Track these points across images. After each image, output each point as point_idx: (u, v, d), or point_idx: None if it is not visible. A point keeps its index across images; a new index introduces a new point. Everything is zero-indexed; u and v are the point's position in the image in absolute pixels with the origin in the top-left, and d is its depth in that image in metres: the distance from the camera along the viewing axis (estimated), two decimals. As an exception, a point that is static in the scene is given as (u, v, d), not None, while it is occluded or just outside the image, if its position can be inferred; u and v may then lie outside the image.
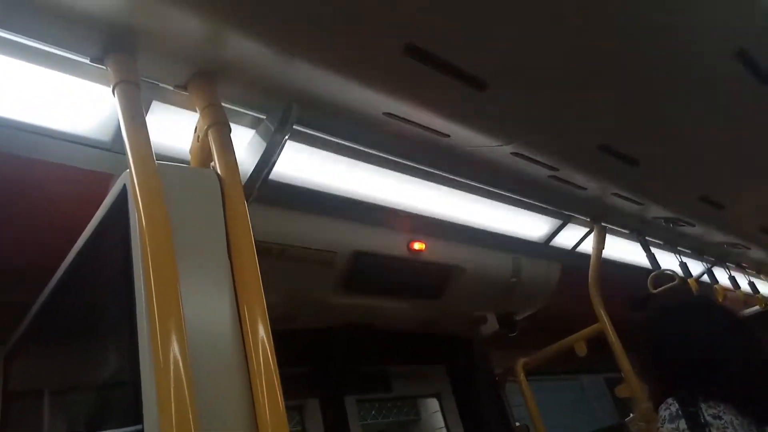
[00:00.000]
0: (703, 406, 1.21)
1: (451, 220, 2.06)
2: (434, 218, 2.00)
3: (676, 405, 1.24)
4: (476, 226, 2.16)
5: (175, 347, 0.78)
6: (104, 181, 1.29)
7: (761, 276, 3.67)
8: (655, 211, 2.29)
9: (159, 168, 0.93)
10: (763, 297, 3.59)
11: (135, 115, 0.96)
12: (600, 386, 4.29)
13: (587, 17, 1.11)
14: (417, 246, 2.02)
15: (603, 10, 1.10)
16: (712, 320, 1.37)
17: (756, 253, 3.13)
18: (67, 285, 1.30)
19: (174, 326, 0.80)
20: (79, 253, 1.20)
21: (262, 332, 0.89)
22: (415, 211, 1.94)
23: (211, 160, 1.09)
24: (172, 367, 0.77)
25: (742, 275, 3.44)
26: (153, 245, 0.84)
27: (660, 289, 2.47)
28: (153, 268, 0.83)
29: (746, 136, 1.70)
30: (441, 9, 1.03)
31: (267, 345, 0.88)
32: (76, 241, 1.22)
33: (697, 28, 1.21)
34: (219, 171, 1.03)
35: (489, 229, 2.22)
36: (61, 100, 1.14)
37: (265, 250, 1.62)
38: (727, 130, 1.65)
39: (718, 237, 2.77)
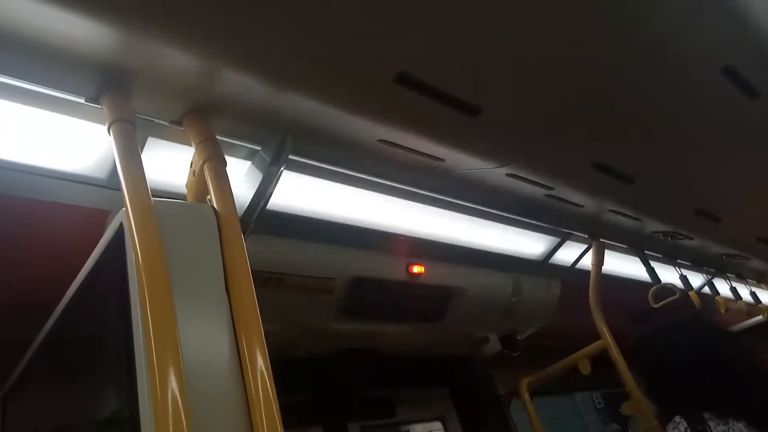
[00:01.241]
0: (711, 423, 1.21)
1: (449, 242, 2.06)
2: (432, 241, 2.01)
3: (684, 424, 1.23)
4: (475, 246, 2.16)
5: (173, 382, 0.78)
6: (102, 217, 1.30)
7: (762, 285, 3.66)
8: (653, 226, 2.29)
9: (155, 205, 0.93)
10: (766, 307, 3.58)
11: (130, 153, 0.97)
12: (589, 402, 4.34)
13: (578, 40, 1.12)
14: (416, 269, 2.02)
15: (594, 32, 1.12)
16: (710, 338, 1.38)
17: (756, 263, 3.12)
18: (65, 323, 1.30)
19: (172, 361, 0.80)
20: (77, 292, 1.20)
21: (261, 363, 0.89)
22: (413, 235, 1.94)
23: (208, 194, 1.09)
24: (170, 402, 0.77)
25: (743, 286, 3.43)
26: (150, 282, 0.85)
27: (661, 303, 2.46)
28: (150, 305, 0.84)
29: (738, 149, 1.72)
30: (430, 39, 1.04)
31: (266, 376, 0.88)
32: (74, 279, 1.22)
33: (684, 46, 1.23)
34: (215, 205, 1.03)
35: (488, 249, 2.22)
36: (57, 139, 1.15)
37: (263, 280, 1.62)
38: (719, 144, 1.66)
39: (716, 249, 2.77)
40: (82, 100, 1.05)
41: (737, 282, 3.36)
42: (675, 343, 1.40)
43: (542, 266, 2.51)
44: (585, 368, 2.54)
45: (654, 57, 1.24)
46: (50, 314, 1.35)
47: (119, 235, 0.97)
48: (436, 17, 0.99)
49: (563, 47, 1.13)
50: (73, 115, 1.11)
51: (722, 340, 1.38)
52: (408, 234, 1.91)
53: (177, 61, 1.00)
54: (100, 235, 1.11)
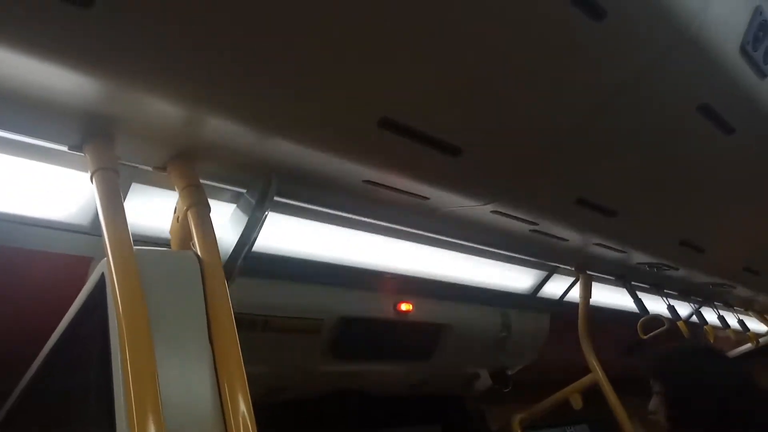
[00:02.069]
0: None
1: (436, 279, 2.06)
2: (420, 278, 2.00)
3: None
4: (462, 282, 2.16)
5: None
6: (84, 264, 1.28)
7: (749, 313, 3.68)
8: (638, 258, 2.31)
9: (137, 253, 0.93)
10: (755, 334, 3.60)
11: (113, 202, 0.97)
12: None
13: (555, 82, 1.15)
14: (404, 307, 2.01)
15: (570, 75, 1.15)
16: (724, 364, 1.40)
17: (742, 291, 3.15)
18: (45, 373, 1.27)
19: (151, 411, 0.80)
20: (59, 341, 1.18)
21: (244, 410, 0.89)
22: (400, 272, 1.94)
23: (191, 239, 1.09)
24: None
25: (730, 314, 3.45)
26: (130, 332, 0.85)
27: (651, 334, 2.47)
28: (130, 355, 0.83)
29: (717, 182, 1.75)
30: (411, 85, 1.06)
31: (249, 422, 0.87)
32: (55, 329, 1.20)
33: (660, 85, 1.26)
34: (198, 252, 1.02)
35: (475, 284, 2.22)
36: (38, 187, 1.14)
37: (248, 323, 1.61)
38: (697, 177, 1.69)
39: (702, 278, 2.79)
40: (65, 149, 1.06)
41: (725, 310, 3.38)
42: (699, 367, 1.41)
43: (530, 300, 2.51)
44: (577, 403, 2.52)
45: (631, 96, 1.27)
46: (30, 364, 1.32)
47: (100, 284, 0.96)
48: (417, 64, 1.01)
49: (541, 89, 1.16)
50: (55, 164, 1.10)
51: (734, 366, 1.40)
52: (395, 272, 1.91)
53: (160, 108, 1.01)
54: (83, 282, 1.10)
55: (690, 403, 1.42)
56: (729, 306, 3.44)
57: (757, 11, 1.16)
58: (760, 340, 3.77)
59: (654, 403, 1.62)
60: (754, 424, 1.31)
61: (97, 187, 0.99)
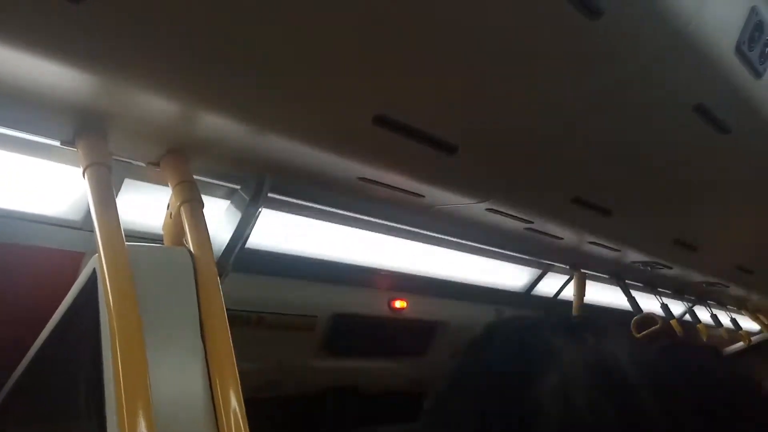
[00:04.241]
0: None
1: (431, 276, 2.06)
2: (414, 275, 2.00)
3: None
4: (457, 280, 2.16)
5: (142, 428, 0.78)
6: (77, 259, 1.28)
7: (742, 312, 3.70)
8: (632, 256, 2.32)
9: (130, 249, 0.92)
10: (747, 333, 3.61)
11: (105, 198, 0.96)
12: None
13: (551, 81, 1.15)
14: (398, 304, 2.01)
15: (567, 73, 1.14)
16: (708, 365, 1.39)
17: (735, 290, 3.16)
18: (37, 368, 1.27)
19: (142, 407, 0.80)
20: (50, 337, 1.17)
21: (235, 405, 0.89)
22: (394, 269, 1.93)
23: (184, 236, 1.08)
24: None
25: (723, 313, 3.47)
26: (121, 328, 0.84)
27: (644, 333, 2.48)
28: (121, 350, 0.83)
29: (710, 181, 1.75)
30: (406, 82, 1.05)
31: (240, 420, 0.87)
32: (47, 324, 1.19)
33: (656, 85, 1.26)
34: (191, 248, 1.02)
35: (470, 282, 2.22)
36: (30, 182, 1.13)
37: (242, 320, 1.60)
38: (692, 177, 1.69)
39: (696, 277, 2.80)
40: (58, 144, 1.05)
41: (718, 309, 3.40)
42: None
43: (525, 298, 2.51)
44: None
45: (626, 96, 1.27)
46: (21, 359, 1.32)
47: (92, 280, 0.95)
48: (412, 61, 1.00)
49: (537, 88, 1.15)
50: (48, 159, 1.10)
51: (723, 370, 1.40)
52: (389, 269, 1.91)
53: (153, 104, 1.00)
54: (75, 278, 1.09)
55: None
56: (722, 305, 3.45)
57: (753, 11, 1.16)
58: (753, 339, 3.79)
59: None
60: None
61: (90, 182, 0.99)
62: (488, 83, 1.12)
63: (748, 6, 1.15)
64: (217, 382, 0.90)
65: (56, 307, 1.14)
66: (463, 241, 1.93)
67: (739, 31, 1.16)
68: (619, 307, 2.80)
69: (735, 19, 1.15)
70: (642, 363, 0.44)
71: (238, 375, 0.91)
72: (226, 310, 0.96)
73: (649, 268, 2.47)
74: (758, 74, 1.26)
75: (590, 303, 2.54)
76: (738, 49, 1.17)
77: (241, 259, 1.26)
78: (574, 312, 2.44)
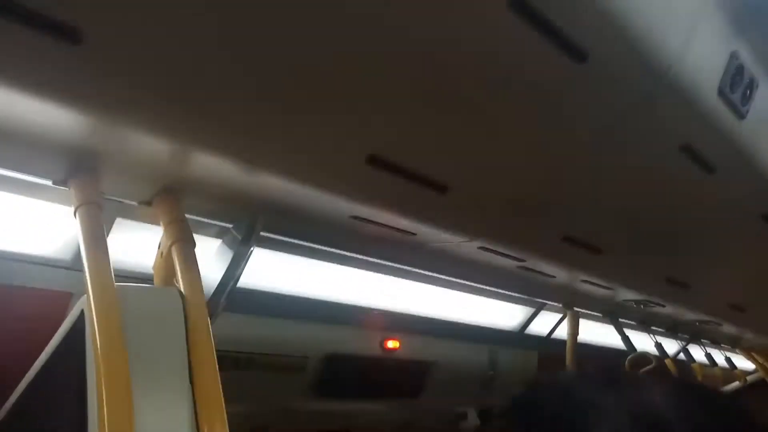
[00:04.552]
0: None
1: (424, 315, 2.05)
2: (407, 314, 1.99)
3: None
4: (450, 319, 2.15)
5: None
6: (64, 300, 1.26)
7: (737, 351, 3.68)
8: (625, 295, 2.31)
9: (119, 289, 0.91)
10: (742, 372, 3.59)
11: (96, 238, 0.95)
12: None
13: (539, 125, 1.17)
14: (391, 344, 1.98)
15: (557, 113, 1.17)
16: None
17: (728, 328, 3.15)
18: (22, 410, 1.23)
19: None
20: (35, 379, 1.15)
21: None
22: (387, 309, 1.92)
23: (175, 275, 1.07)
24: None
25: (717, 351, 3.45)
26: (107, 371, 0.83)
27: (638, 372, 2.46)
28: (107, 394, 0.81)
29: (698, 220, 1.77)
30: (399, 123, 1.07)
31: None
32: (32, 365, 1.17)
33: (643, 127, 1.29)
34: (182, 289, 1.01)
35: (463, 321, 2.20)
36: (19, 221, 1.13)
37: (231, 361, 1.58)
38: (680, 216, 1.71)
39: (689, 315, 2.79)
40: (50, 183, 1.05)
41: (712, 348, 3.38)
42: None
43: (518, 337, 2.49)
44: (566, 443, 2.47)
45: (614, 137, 1.30)
46: (6, 400, 1.29)
47: (80, 321, 0.94)
48: (404, 102, 1.02)
49: (527, 131, 1.17)
50: (39, 198, 1.09)
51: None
52: (382, 308, 1.89)
53: (147, 144, 1.01)
54: (63, 318, 1.08)
55: None
56: (716, 343, 3.44)
57: (734, 56, 1.20)
58: (748, 378, 3.76)
59: None
60: None
61: (81, 222, 0.98)
62: (478, 124, 1.14)
63: (728, 51, 1.19)
64: (205, 426, 0.88)
65: (43, 348, 1.12)
66: (456, 280, 1.92)
67: (721, 75, 1.19)
68: (613, 346, 2.78)
69: (716, 63, 1.18)
70: (681, 409, 0.47)
71: (226, 418, 0.89)
72: (216, 350, 0.95)
73: (642, 306, 2.46)
74: (741, 116, 1.29)
75: (584, 342, 2.53)
76: (721, 92, 1.21)
77: (232, 298, 1.25)
78: (568, 350, 2.42)
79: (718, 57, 1.17)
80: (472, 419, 2.57)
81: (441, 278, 1.89)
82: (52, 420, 1.10)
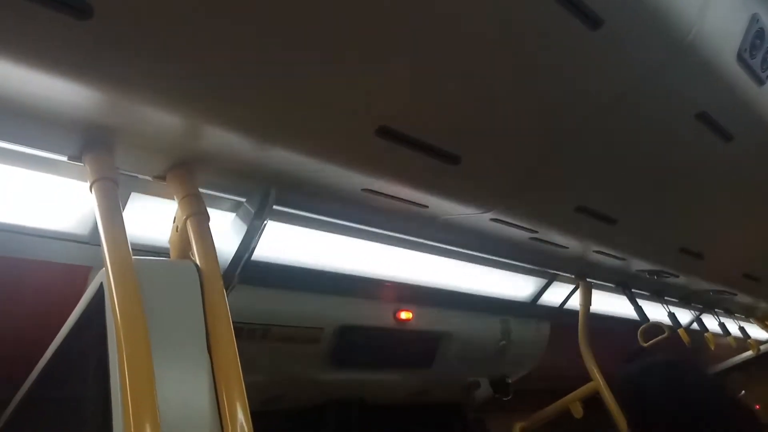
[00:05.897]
0: None
1: (436, 287, 2.06)
2: (419, 286, 2.00)
3: None
4: (462, 290, 2.16)
5: None
6: (83, 273, 1.28)
7: (750, 320, 3.67)
8: (638, 265, 2.31)
9: (136, 263, 0.93)
10: (756, 342, 3.59)
11: (112, 212, 0.97)
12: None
13: (554, 92, 1.15)
14: (404, 315, 2.00)
15: (569, 84, 1.15)
16: (693, 381, 1.37)
17: (743, 298, 3.14)
18: (45, 382, 1.27)
19: (149, 420, 0.79)
20: (57, 351, 1.18)
21: (242, 419, 0.88)
22: (399, 280, 1.93)
23: (190, 249, 1.09)
24: None
25: (731, 321, 3.44)
26: (128, 341, 0.85)
27: (651, 342, 2.46)
28: (128, 364, 0.83)
29: (715, 189, 1.75)
30: (410, 93, 1.06)
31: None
32: (54, 338, 1.20)
33: (659, 94, 1.27)
34: (198, 261, 1.02)
35: (475, 292, 2.21)
36: (37, 197, 1.14)
37: (248, 332, 1.61)
38: (697, 185, 1.69)
39: (703, 285, 2.79)
40: (65, 159, 1.06)
41: (725, 317, 3.37)
42: (659, 387, 1.38)
43: (530, 308, 2.50)
44: (577, 412, 2.50)
45: (629, 104, 1.28)
46: (29, 373, 1.32)
47: (99, 294, 0.96)
48: (414, 72, 1.01)
49: (540, 99, 1.16)
50: (55, 174, 1.11)
51: (708, 388, 1.37)
52: (394, 280, 1.90)
53: (160, 118, 1.01)
54: (82, 292, 1.10)
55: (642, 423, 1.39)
56: (730, 313, 3.43)
57: (754, 18, 1.17)
58: (761, 347, 3.76)
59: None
60: None
61: (97, 197, 0.99)
62: (491, 93, 1.13)
63: (748, 14, 1.16)
64: (224, 395, 0.90)
65: (63, 322, 1.15)
66: (469, 251, 1.93)
67: (741, 39, 1.17)
68: (626, 316, 2.79)
69: (736, 28, 1.16)
70: None
71: (244, 388, 0.91)
72: (232, 322, 0.97)
73: (655, 277, 2.46)
74: (761, 81, 1.27)
75: (596, 312, 2.53)
76: (740, 57, 1.18)
77: (247, 271, 1.26)
78: (581, 321, 2.43)
79: (737, 20, 1.15)
80: (485, 388, 2.60)
81: (453, 250, 1.90)
82: (76, 389, 1.13)
